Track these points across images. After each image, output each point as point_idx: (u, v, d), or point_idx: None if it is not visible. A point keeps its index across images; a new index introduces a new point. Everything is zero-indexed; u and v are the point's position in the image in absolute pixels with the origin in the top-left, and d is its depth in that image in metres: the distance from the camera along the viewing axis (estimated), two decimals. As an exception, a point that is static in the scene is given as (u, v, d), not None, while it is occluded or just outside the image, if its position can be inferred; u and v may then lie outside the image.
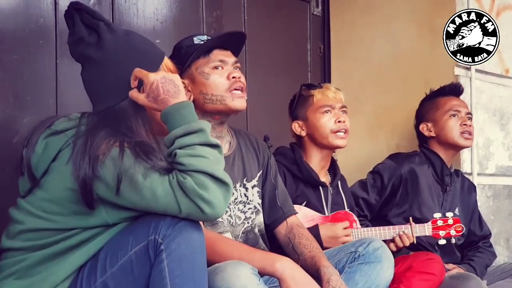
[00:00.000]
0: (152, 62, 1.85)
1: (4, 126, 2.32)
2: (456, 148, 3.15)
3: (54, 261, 1.76)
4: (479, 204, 3.35)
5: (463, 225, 2.81)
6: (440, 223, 2.77)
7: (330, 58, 3.76)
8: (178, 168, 1.70)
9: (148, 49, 1.89)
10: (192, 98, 2.22)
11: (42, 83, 2.45)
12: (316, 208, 2.69)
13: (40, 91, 2.44)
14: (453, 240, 2.81)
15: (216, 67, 2.22)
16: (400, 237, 2.69)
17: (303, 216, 2.59)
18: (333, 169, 2.84)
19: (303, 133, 2.77)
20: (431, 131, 3.15)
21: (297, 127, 2.78)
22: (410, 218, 2.74)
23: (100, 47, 1.82)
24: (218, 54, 2.24)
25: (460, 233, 2.80)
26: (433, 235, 2.77)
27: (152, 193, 1.68)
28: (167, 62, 1.91)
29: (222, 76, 2.22)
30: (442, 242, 2.78)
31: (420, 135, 3.22)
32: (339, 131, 2.72)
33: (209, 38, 2.25)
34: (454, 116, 3.12)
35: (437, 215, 2.79)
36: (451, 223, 2.77)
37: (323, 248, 2.41)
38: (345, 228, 2.58)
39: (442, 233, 2.76)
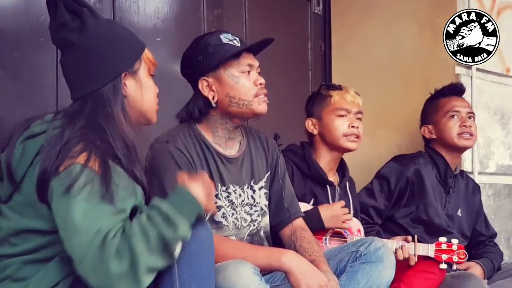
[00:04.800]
0: (134, 52, 1.85)
1: (4, 124, 2.32)
2: (457, 149, 3.11)
3: (51, 262, 1.70)
4: (479, 203, 3.35)
5: (466, 253, 2.73)
6: (444, 246, 2.70)
7: (331, 57, 3.75)
8: (127, 231, 1.62)
9: (130, 38, 1.88)
10: (216, 98, 2.22)
11: (42, 81, 2.45)
12: None
13: (41, 89, 2.44)
14: (454, 267, 2.74)
15: (244, 71, 2.23)
16: (402, 250, 2.61)
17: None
18: (342, 170, 2.83)
19: (315, 131, 2.77)
20: (432, 133, 3.13)
21: (310, 125, 2.78)
22: (415, 236, 2.67)
23: (83, 32, 1.79)
24: (247, 58, 2.24)
25: (463, 261, 2.73)
26: (435, 257, 2.69)
27: (71, 219, 1.60)
28: (147, 53, 1.90)
29: (250, 81, 2.23)
30: (443, 266, 2.70)
31: (424, 136, 3.20)
32: (351, 135, 2.71)
33: (235, 38, 2.25)
34: (454, 116, 3.08)
35: (443, 239, 2.71)
36: (455, 249, 2.70)
37: (326, 229, 2.47)
38: (342, 207, 2.58)
39: (444, 256, 2.68)
